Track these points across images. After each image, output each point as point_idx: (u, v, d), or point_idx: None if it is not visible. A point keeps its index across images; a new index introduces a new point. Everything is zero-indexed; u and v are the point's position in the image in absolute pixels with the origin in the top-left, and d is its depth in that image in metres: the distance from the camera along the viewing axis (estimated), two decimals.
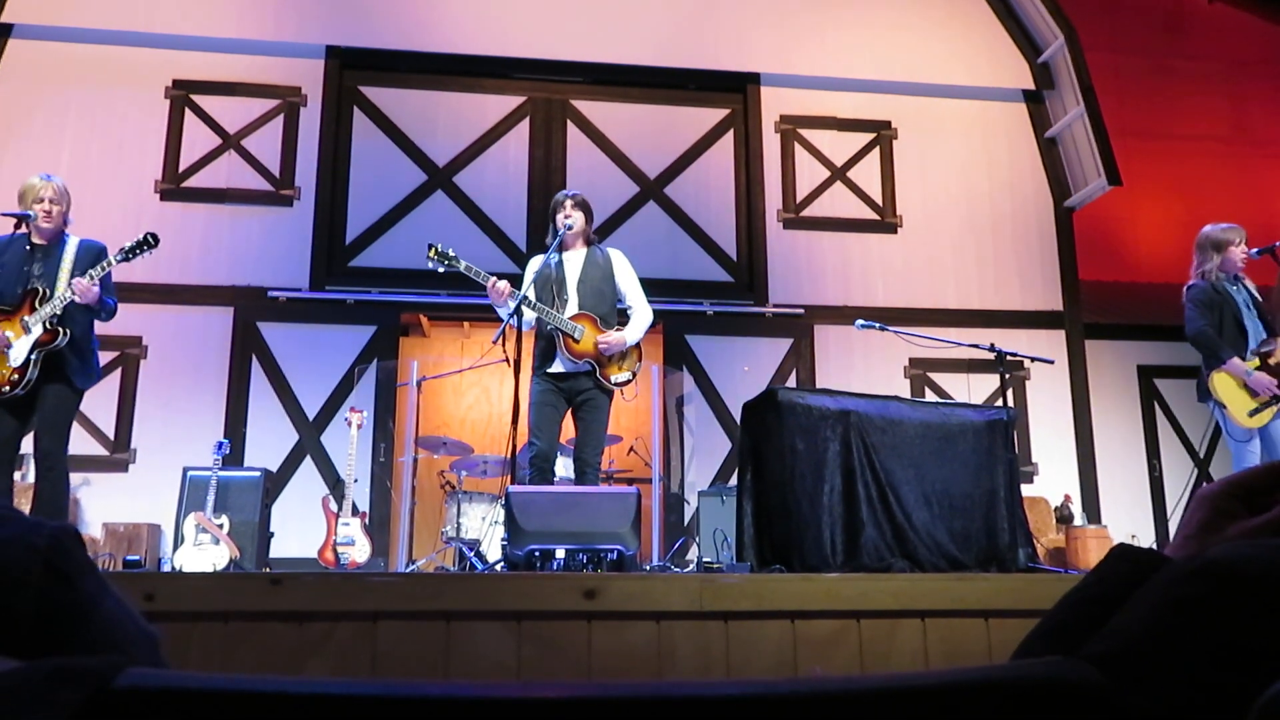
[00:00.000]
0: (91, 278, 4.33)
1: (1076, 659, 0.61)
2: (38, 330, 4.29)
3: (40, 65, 7.96)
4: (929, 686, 0.56)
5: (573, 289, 4.70)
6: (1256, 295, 5.02)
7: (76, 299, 4.29)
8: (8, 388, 4.25)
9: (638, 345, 4.78)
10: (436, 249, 4.71)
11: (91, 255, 4.47)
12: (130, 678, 0.54)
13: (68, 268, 4.40)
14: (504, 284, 4.55)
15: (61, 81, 7.95)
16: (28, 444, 4.57)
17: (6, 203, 4.61)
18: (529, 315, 4.57)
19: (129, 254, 4.52)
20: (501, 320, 4.59)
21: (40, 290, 4.34)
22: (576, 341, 4.59)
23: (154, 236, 4.60)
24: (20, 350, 4.27)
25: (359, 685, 0.52)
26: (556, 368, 4.62)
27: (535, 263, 4.83)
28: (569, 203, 4.78)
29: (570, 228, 4.73)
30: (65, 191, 4.49)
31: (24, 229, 4.40)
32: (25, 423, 4.38)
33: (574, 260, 4.78)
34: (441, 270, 4.72)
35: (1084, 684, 0.57)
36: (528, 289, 4.56)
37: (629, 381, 4.72)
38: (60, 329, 4.32)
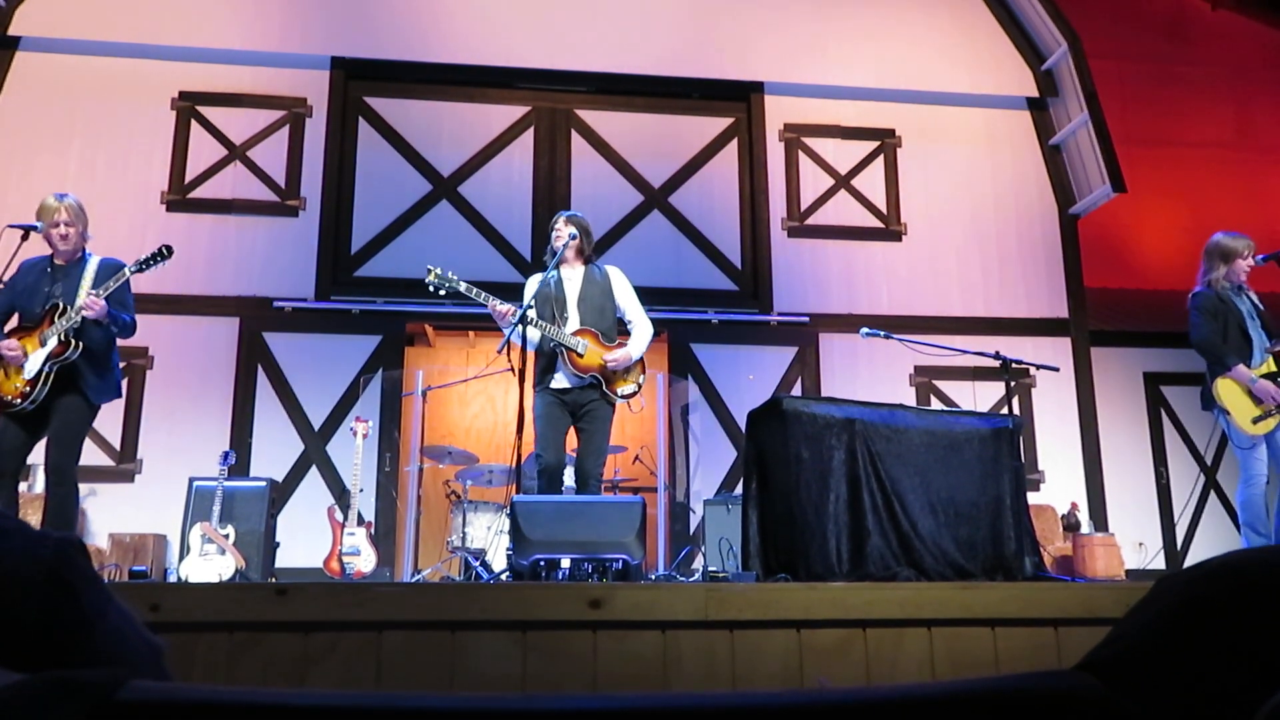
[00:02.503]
0: (105, 290, 4.35)
1: (1079, 670, 0.61)
2: (52, 343, 4.31)
3: (47, 78, 8.00)
4: (931, 698, 0.56)
5: (573, 306, 4.72)
6: (1259, 304, 5.04)
7: (88, 314, 4.31)
8: (19, 400, 4.26)
9: (641, 358, 4.79)
10: (435, 272, 4.71)
11: (110, 272, 4.48)
12: (133, 690, 0.54)
13: (87, 285, 4.42)
14: (505, 307, 4.56)
15: (68, 93, 7.99)
16: (37, 455, 4.58)
17: (13, 214, 4.63)
18: (532, 335, 4.57)
19: (144, 265, 4.53)
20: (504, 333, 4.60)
21: (60, 306, 4.36)
22: (580, 356, 4.60)
23: (169, 248, 4.60)
24: (34, 363, 4.29)
25: (362, 697, 0.51)
26: (560, 383, 4.62)
27: (533, 282, 4.84)
28: (560, 222, 4.83)
29: (574, 238, 4.75)
30: (80, 210, 4.52)
31: (45, 248, 4.44)
32: (34, 435, 4.39)
33: (573, 278, 4.80)
34: (442, 293, 4.73)
35: (1086, 695, 0.57)
36: (528, 307, 4.56)
37: (635, 394, 4.74)
38: (73, 340, 4.33)
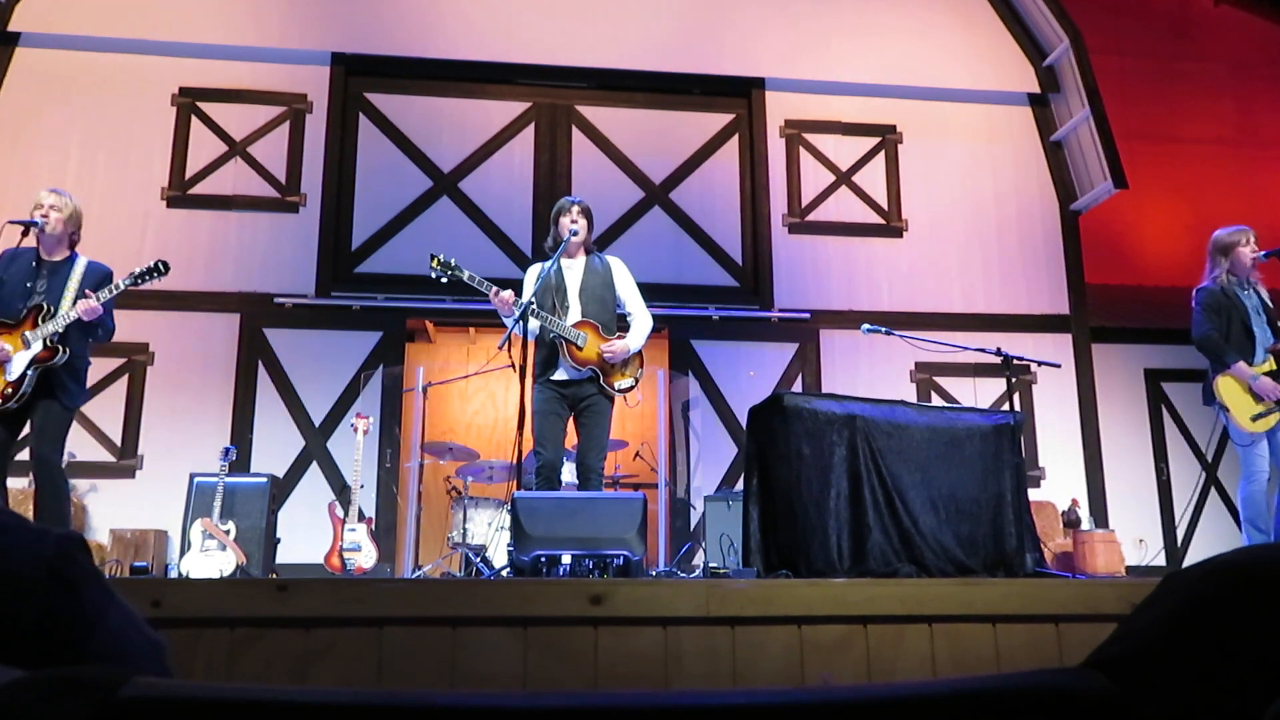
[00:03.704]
0: (98, 296, 4.35)
1: (1086, 667, 0.60)
2: (37, 346, 4.29)
3: (47, 73, 7.99)
4: (941, 695, 0.55)
5: (574, 297, 4.71)
6: (1268, 300, 4.99)
7: (81, 318, 4.32)
8: (0, 400, 4.26)
9: (639, 351, 4.78)
10: (439, 259, 4.72)
11: (97, 278, 4.49)
12: (135, 688, 0.53)
13: (74, 287, 4.41)
14: (507, 293, 4.56)
15: (68, 89, 7.98)
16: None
17: (13, 211, 4.62)
18: (532, 324, 4.57)
19: (139, 279, 4.55)
20: (507, 326, 4.60)
21: (44, 307, 4.35)
22: (580, 349, 4.59)
23: (164, 264, 4.63)
24: (18, 365, 4.27)
25: (365, 695, 0.51)
26: (559, 375, 4.62)
27: (534, 271, 4.83)
28: (575, 209, 4.78)
29: (575, 234, 4.73)
30: (71, 204, 4.49)
31: (32, 242, 4.42)
32: (14, 435, 4.40)
33: (574, 268, 4.79)
34: (444, 280, 4.73)
35: (1095, 692, 0.56)
36: (530, 298, 4.56)
37: (632, 388, 4.73)
38: (60, 347, 4.33)
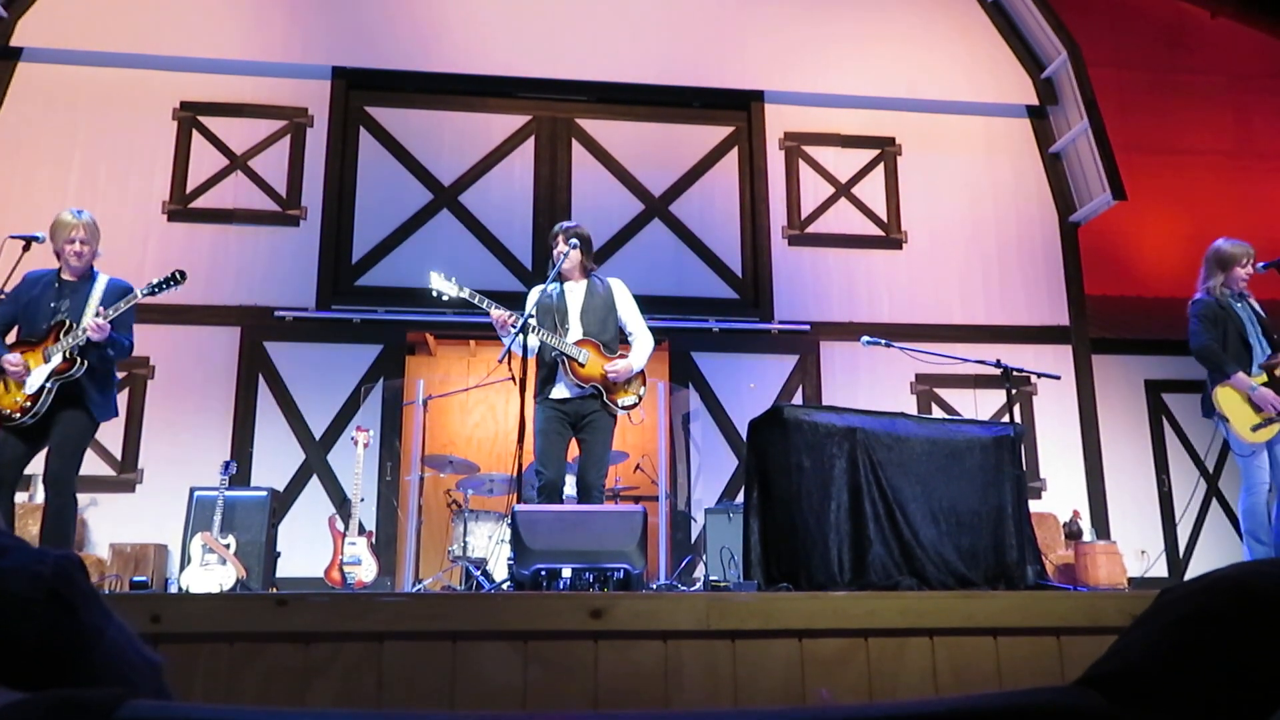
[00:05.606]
0: (116, 311, 4.38)
1: (1081, 686, 0.60)
2: (57, 359, 4.32)
3: (49, 88, 8.02)
4: (932, 714, 0.55)
5: (575, 318, 4.73)
6: (1261, 311, 5.03)
7: (92, 336, 4.32)
8: (18, 414, 4.27)
9: (642, 370, 4.80)
10: (439, 277, 4.75)
11: (118, 293, 4.51)
12: (132, 709, 0.54)
13: (95, 303, 4.44)
14: (506, 313, 4.58)
15: (70, 104, 8.00)
16: (36, 465, 4.59)
17: (15, 225, 4.64)
18: (533, 342, 4.58)
19: (156, 289, 4.57)
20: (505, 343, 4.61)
21: (66, 323, 4.37)
22: (582, 366, 4.59)
23: (182, 274, 4.63)
24: (36, 378, 4.29)
25: (361, 717, 0.51)
26: (560, 393, 4.62)
27: (536, 294, 4.85)
28: (561, 236, 4.82)
29: (566, 256, 4.76)
30: (95, 228, 4.54)
31: (49, 262, 4.45)
32: (34, 447, 4.40)
33: (575, 291, 4.81)
34: (445, 298, 4.75)
35: (1088, 711, 0.56)
36: (529, 316, 4.57)
37: (635, 405, 4.74)
38: (78, 359, 4.35)
